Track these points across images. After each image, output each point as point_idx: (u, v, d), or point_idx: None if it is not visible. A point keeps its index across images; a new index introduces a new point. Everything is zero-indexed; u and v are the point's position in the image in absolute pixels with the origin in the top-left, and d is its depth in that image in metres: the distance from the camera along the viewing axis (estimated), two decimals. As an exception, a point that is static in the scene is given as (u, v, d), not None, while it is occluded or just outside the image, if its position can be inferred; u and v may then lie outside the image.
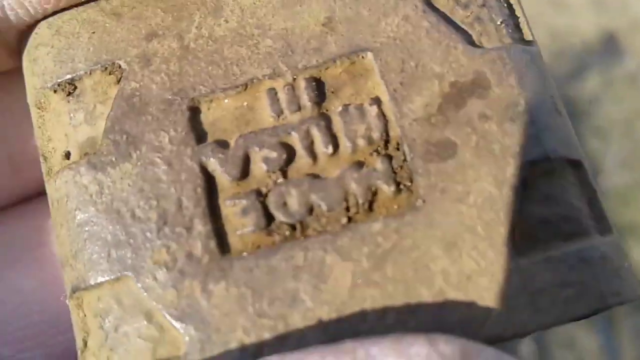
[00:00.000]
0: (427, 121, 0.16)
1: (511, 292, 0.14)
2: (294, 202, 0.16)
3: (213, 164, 0.16)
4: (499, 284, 0.14)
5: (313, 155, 0.16)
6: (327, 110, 0.17)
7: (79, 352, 0.16)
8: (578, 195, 0.16)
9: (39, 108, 0.17)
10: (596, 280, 0.15)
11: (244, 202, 0.16)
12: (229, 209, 0.16)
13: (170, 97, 0.16)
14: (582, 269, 0.15)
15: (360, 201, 0.16)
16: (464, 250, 0.15)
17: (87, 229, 0.16)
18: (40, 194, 0.21)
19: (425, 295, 0.14)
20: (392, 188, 0.16)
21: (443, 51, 0.16)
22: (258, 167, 0.16)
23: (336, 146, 0.16)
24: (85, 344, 0.16)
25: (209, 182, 0.16)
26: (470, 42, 0.16)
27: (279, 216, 0.16)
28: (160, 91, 0.16)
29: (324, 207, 0.16)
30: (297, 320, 0.15)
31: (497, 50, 0.16)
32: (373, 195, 0.16)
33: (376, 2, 0.17)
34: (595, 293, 0.15)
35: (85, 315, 0.16)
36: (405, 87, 0.16)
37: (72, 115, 0.16)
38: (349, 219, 0.16)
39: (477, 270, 0.14)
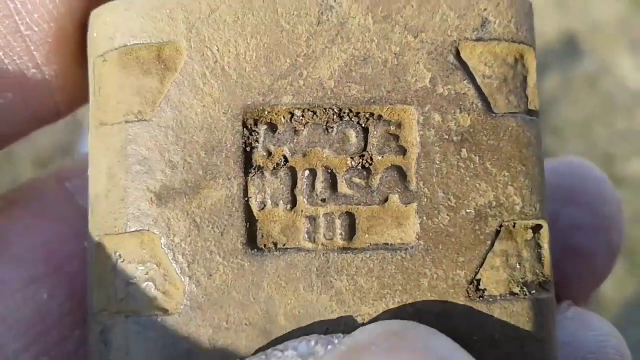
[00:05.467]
0: None
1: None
2: None
3: None
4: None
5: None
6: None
7: (90, 285, 0.17)
8: (532, 252, 0.17)
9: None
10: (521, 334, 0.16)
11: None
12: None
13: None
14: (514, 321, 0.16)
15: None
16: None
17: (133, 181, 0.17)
18: None
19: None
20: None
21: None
22: None
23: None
24: (99, 278, 0.17)
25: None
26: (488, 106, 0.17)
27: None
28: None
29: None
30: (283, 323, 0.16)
31: (507, 116, 0.17)
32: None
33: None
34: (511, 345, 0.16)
35: (104, 254, 0.17)
36: None
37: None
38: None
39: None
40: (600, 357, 0.18)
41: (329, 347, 0.14)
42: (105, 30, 0.18)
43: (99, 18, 0.18)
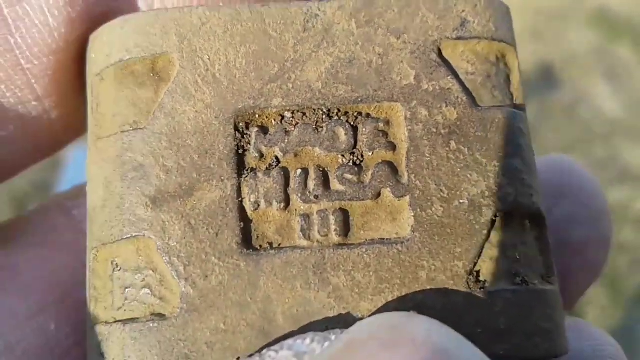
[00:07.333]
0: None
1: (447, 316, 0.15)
2: None
3: None
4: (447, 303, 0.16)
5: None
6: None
7: (88, 298, 0.17)
8: (532, 244, 0.17)
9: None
10: (524, 323, 0.16)
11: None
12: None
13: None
14: (516, 309, 0.16)
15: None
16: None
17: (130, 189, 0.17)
18: None
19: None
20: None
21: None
22: None
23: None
24: (97, 290, 0.17)
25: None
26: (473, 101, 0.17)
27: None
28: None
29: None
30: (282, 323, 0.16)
31: (493, 109, 0.17)
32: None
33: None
34: (518, 334, 0.16)
35: (101, 265, 0.17)
36: None
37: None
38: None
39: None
40: None
41: (326, 344, 0.14)
42: (102, 49, 0.18)
43: (96, 39, 0.18)
